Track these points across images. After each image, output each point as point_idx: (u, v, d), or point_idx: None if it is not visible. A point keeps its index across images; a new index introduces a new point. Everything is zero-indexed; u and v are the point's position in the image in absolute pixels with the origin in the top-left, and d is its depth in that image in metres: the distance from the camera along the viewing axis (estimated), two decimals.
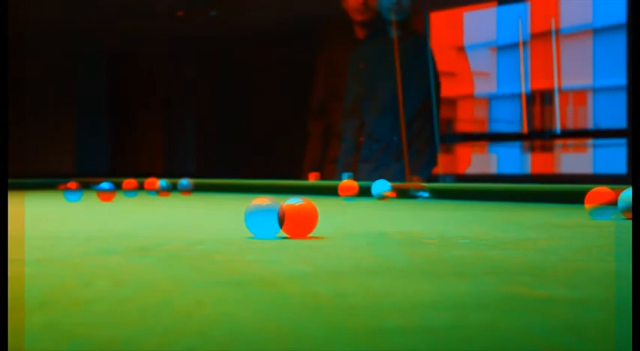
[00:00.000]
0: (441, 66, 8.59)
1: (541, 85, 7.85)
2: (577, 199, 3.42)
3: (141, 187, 5.45)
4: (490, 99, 8.29)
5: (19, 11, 8.05)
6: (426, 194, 4.71)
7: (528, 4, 7.94)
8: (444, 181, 4.76)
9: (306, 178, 6.19)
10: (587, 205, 2.87)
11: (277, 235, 2.17)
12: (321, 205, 2.37)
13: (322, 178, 6.20)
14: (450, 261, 1.71)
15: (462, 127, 8.47)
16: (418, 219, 3.18)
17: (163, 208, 4.04)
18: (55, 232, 2.54)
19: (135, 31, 9.48)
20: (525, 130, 7.95)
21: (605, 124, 7.51)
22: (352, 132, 6.34)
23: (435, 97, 5.80)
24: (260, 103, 9.81)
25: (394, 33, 6.07)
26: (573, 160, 7.95)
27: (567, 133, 7.91)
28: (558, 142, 8.01)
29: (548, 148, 8.05)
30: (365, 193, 4.71)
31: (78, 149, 10.19)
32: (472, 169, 8.04)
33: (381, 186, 4.64)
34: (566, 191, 4.06)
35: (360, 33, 6.44)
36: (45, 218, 3.28)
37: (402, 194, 4.74)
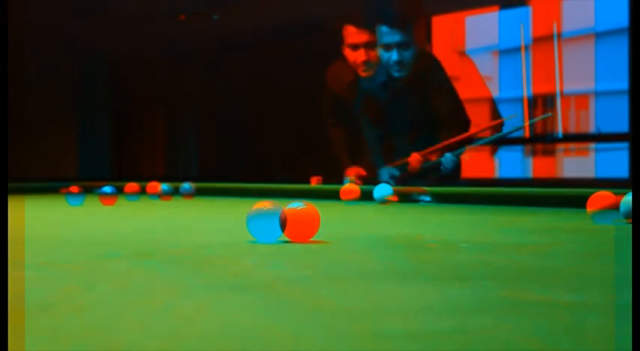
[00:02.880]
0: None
1: (543, 89, 7.85)
2: (579, 203, 3.42)
3: (143, 191, 5.45)
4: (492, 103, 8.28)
5: (21, 13, 8.06)
6: (428, 198, 4.71)
7: (530, 8, 7.94)
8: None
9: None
10: (588, 210, 2.86)
11: (279, 239, 2.17)
12: (323, 209, 2.37)
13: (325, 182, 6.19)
14: (452, 265, 1.71)
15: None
16: (420, 223, 3.18)
17: (165, 211, 4.04)
18: (56, 235, 2.54)
19: (137, 34, 9.49)
20: (527, 134, 7.95)
21: (607, 128, 7.51)
22: (374, 141, 6.34)
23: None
24: (262, 107, 9.82)
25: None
26: (575, 164, 7.95)
27: (569, 137, 7.90)
28: (560, 146, 8.00)
29: (550, 152, 8.04)
30: (366, 196, 4.71)
31: (80, 153, 10.20)
32: (474, 173, 8.03)
33: (383, 190, 4.64)
34: (568, 195, 4.06)
35: (364, 74, 6.42)
36: (47, 222, 3.28)
37: (404, 198, 4.74)
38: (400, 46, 6.07)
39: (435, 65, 6.32)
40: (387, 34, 6.10)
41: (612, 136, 7.45)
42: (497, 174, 7.92)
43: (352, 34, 6.39)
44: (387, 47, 6.11)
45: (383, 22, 6.09)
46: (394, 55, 6.06)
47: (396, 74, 6.09)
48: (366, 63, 6.28)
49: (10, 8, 5.98)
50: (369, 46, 6.24)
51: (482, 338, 0.97)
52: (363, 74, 6.36)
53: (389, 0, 6.19)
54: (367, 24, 6.22)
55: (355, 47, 6.35)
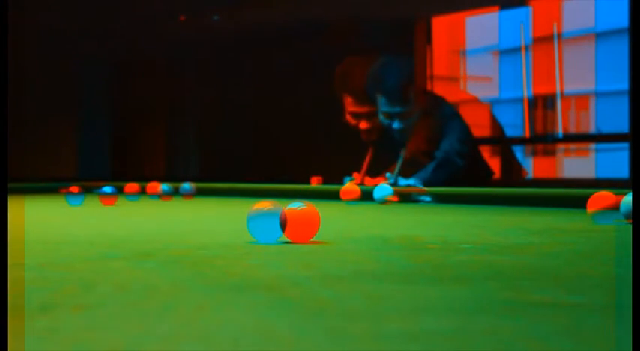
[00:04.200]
0: (442, 71, 8.59)
1: (543, 89, 7.85)
2: (579, 203, 3.42)
3: (143, 192, 5.45)
4: (492, 103, 8.29)
5: (21, 14, 8.06)
6: (428, 198, 4.71)
7: (530, 8, 7.94)
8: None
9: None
10: (589, 210, 2.86)
11: (279, 239, 2.17)
12: (323, 209, 2.37)
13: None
14: (452, 266, 1.71)
15: None
16: (420, 223, 3.18)
17: (165, 212, 4.04)
18: (56, 236, 2.54)
19: (137, 35, 9.49)
20: (527, 134, 7.95)
21: (607, 128, 7.51)
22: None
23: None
24: (263, 107, 9.82)
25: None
26: (575, 165, 7.96)
27: (569, 138, 7.91)
28: (560, 147, 8.01)
29: (550, 153, 8.05)
30: (367, 197, 4.71)
31: (80, 153, 10.20)
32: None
33: (383, 190, 4.64)
34: (568, 196, 4.06)
35: (366, 139, 6.40)
36: (47, 222, 3.28)
37: (404, 198, 4.74)
38: (402, 116, 6.04)
39: (438, 103, 6.28)
40: (388, 105, 6.07)
41: (612, 136, 7.46)
42: (497, 174, 7.91)
43: (352, 103, 6.37)
44: (389, 116, 6.09)
45: (383, 94, 6.06)
46: (395, 124, 6.04)
47: (397, 138, 6.08)
48: (368, 131, 6.28)
49: (11, 8, 5.96)
50: (370, 115, 6.23)
51: (482, 339, 0.97)
52: (365, 138, 6.36)
53: (390, 74, 6.15)
54: (368, 97, 6.20)
55: (357, 116, 6.34)
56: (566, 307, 1.19)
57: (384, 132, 6.18)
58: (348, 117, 6.39)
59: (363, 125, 6.26)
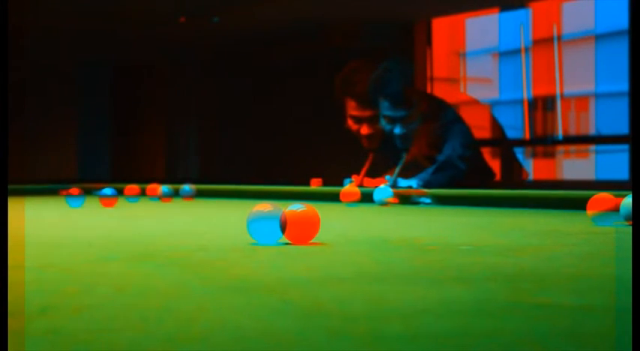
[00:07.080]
0: (442, 72, 8.60)
1: (543, 91, 7.86)
2: (579, 205, 3.42)
3: (143, 193, 5.45)
4: (492, 105, 8.29)
5: (21, 15, 8.06)
6: (428, 200, 4.71)
7: (530, 10, 7.94)
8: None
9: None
10: (589, 212, 2.86)
11: (279, 241, 2.17)
12: (323, 211, 2.37)
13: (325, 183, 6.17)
14: (452, 267, 1.71)
15: None
16: (420, 225, 3.18)
17: (165, 214, 4.04)
18: (56, 238, 2.54)
19: (138, 37, 9.49)
20: (527, 136, 7.95)
21: (607, 130, 7.51)
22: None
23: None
24: (263, 109, 9.82)
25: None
26: (575, 166, 7.96)
27: (569, 139, 7.91)
28: (560, 148, 8.01)
29: (550, 154, 8.05)
30: (367, 199, 4.70)
31: (80, 155, 10.20)
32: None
33: (383, 192, 4.64)
34: (568, 197, 4.06)
35: (367, 146, 6.36)
36: (46, 224, 3.28)
37: (404, 200, 4.73)
38: (404, 120, 6.01)
39: (440, 107, 6.25)
40: (391, 109, 6.03)
41: (612, 138, 7.46)
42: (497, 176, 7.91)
43: (354, 107, 6.33)
44: (391, 120, 6.05)
45: (386, 99, 6.03)
46: (397, 129, 6.00)
47: (399, 145, 6.04)
48: (369, 136, 6.24)
49: (11, 9, 5.97)
50: (372, 120, 6.19)
51: (482, 341, 0.97)
52: (366, 146, 6.32)
53: (393, 79, 6.11)
54: (370, 101, 6.14)
55: (358, 120, 6.30)
56: (567, 308, 1.19)
57: (385, 138, 6.16)
58: (350, 122, 6.38)
59: (365, 130, 6.23)
